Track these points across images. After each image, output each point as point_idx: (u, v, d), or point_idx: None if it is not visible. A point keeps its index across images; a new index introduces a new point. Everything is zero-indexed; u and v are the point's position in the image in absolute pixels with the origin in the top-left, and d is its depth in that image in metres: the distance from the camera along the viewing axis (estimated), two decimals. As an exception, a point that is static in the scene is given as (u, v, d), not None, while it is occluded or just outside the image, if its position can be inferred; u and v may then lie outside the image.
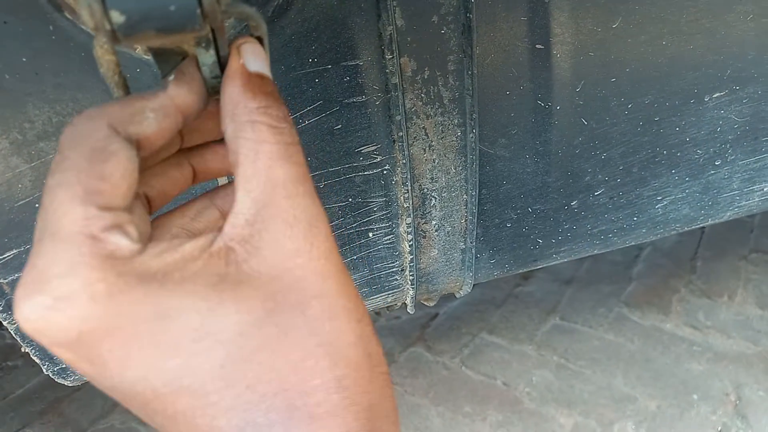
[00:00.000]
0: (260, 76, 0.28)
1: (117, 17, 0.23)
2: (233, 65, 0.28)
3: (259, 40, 0.30)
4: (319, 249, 0.25)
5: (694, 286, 1.35)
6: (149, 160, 0.29)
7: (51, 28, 0.38)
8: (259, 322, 0.23)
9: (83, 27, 0.38)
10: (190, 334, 0.22)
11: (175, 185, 0.31)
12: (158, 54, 0.30)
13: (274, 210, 0.24)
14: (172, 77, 0.28)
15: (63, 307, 0.21)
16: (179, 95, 0.27)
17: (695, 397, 1.11)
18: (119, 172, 0.24)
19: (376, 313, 1.38)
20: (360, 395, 0.25)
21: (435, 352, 1.26)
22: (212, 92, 0.30)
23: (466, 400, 1.15)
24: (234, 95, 0.27)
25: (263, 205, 0.25)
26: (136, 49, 0.38)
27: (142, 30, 0.24)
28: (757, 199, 0.60)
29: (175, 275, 0.23)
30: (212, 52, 0.29)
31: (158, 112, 0.26)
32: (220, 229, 0.25)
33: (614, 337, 1.25)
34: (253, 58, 0.28)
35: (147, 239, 0.24)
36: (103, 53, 0.27)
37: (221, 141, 0.31)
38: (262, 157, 0.25)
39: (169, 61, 0.31)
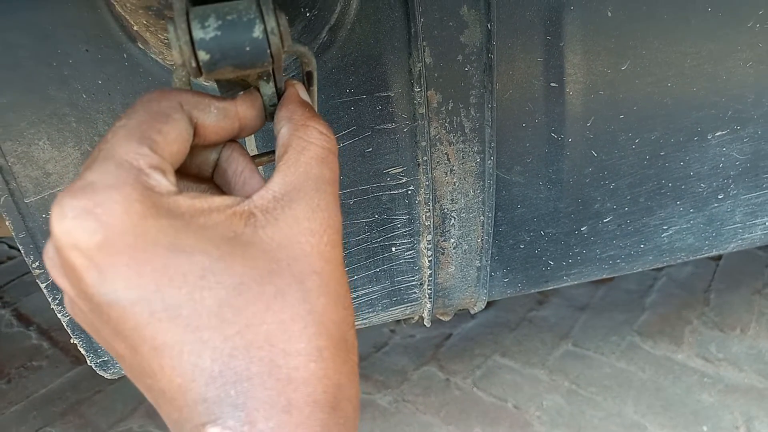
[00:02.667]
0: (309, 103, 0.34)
1: (203, 56, 0.28)
2: (291, 91, 0.34)
3: (310, 74, 0.35)
4: (330, 238, 0.28)
5: (707, 318, 1.36)
6: (196, 152, 0.33)
7: (124, 56, 0.44)
8: (260, 279, 0.25)
9: (153, 56, 0.44)
10: (198, 271, 0.24)
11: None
12: (223, 85, 0.36)
13: (302, 195, 0.28)
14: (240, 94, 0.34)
15: (100, 212, 0.24)
16: (242, 105, 0.32)
17: (705, 428, 1.12)
18: (174, 133, 0.28)
19: (391, 331, 1.41)
20: (333, 371, 0.26)
21: (448, 371, 1.29)
22: (269, 117, 0.35)
23: (477, 420, 1.18)
24: (293, 106, 0.32)
25: (293, 188, 0.28)
26: (206, 81, 0.43)
27: (222, 66, 0.29)
28: (759, 233, 0.63)
29: (199, 219, 0.26)
30: (271, 84, 0.34)
31: (221, 111, 0.31)
32: (248, 197, 0.28)
33: (626, 366, 1.26)
34: (303, 91, 0.34)
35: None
36: (181, 84, 0.32)
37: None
38: (306, 154, 0.29)
39: (231, 90, 0.37)
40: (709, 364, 1.24)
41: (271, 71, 0.34)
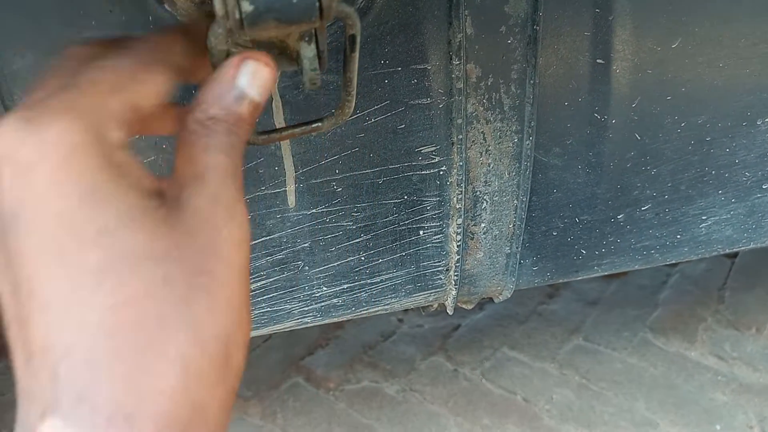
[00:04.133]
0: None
1: (246, 6, 0.26)
2: (223, 72, 0.29)
3: (353, 38, 0.33)
4: (231, 235, 0.26)
5: (721, 316, 1.34)
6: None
7: (150, 18, 0.41)
8: (155, 258, 0.23)
9: (180, 18, 0.41)
10: (99, 225, 0.23)
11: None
12: (261, 45, 0.33)
13: (203, 184, 0.26)
14: None
15: (38, 127, 0.23)
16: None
17: (718, 427, 1.10)
18: (150, 85, 0.27)
19: (399, 320, 1.39)
20: (200, 389, 0.23)
21: (456, 362, 1.27)
22: (309, 84, 0.33)
23: (485, 412, 1.16)
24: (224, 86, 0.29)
25: (194, 176, 0.26)
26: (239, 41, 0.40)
27: (265, 20, 0.26)
28: (801, 226, 0.61)
29: (127, 179, 0.24)
30: (313, 46, 0.31)
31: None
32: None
33: (637, 362, 1.24)
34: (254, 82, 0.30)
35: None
36: (216, 43, 0.30)
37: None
38: (210, 140, 0.27)
39: (267, 53, 0.34)
40: (722, 363, 1.22)
41: (314, 32, 0.31)
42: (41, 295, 0.22)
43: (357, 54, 0.34)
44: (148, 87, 0.27)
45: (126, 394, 0.22)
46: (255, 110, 0.29)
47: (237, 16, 0.26)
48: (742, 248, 0.63)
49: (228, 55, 0.31)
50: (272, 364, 1.30)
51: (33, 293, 0.22)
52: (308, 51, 0.31)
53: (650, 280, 1.44)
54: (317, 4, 0.26)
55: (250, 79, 0.29)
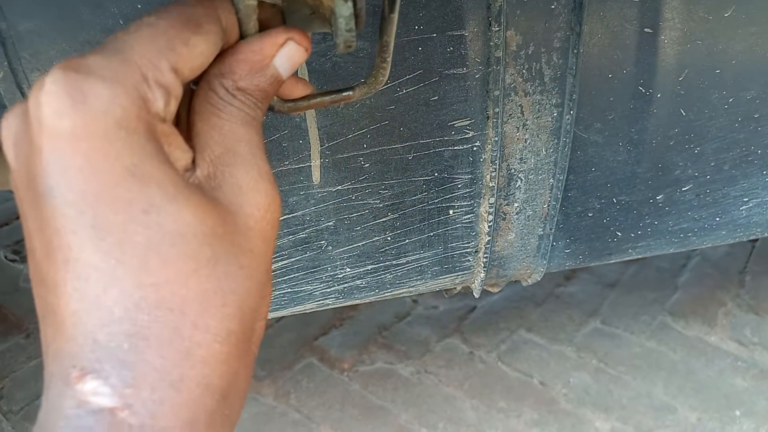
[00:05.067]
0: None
1: None
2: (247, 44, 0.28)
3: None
4: (272, 216, 0.26)
5: (741, 301, 1.31)
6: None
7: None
8: (203, 237, 0.23)
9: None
10: (144, 204, 0.22)
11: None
12: (290, 3, 0.30)
13: (239, 159, 0.26)
14: None
15: (80, 98, 0.22)
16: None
17: (738, 413, 1.08)
18: (202, 46, 0.25)
19: (414, 301, 1.37)
20: (235, 358, 0.25)
21: (472, 345, 1.26)
22: (344, 47, 0.30)
23: (501, 395, 1.14)
24: (260, 58, 0.28)
25: (226, 150, 0.26)
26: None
27: None
28: None
29: (166, 154, 0.24)
30: (350, 3, 0.29)
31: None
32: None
33: (656, 346, 1.22)
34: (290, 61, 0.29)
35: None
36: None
37: None
38: (224, 115, 0.27)
39: (297, 11, 0.31)
40: (743, 348, 1.20)
41: None
42: (80, 265, 0.22)
43: (396, 15, 0.31)
44: (197, 49, 0.25)
45: (170, 363, 0.22)
46: (279, 84, 0.29)
47: None
48: (783, 232, 0.60)
49: (255, 9, 0.28)
50: (286, 344, 1.29)
51: (69, 262, 0.22)
52: (344, 9, 0.28)
53: (670, 263, 1.42)
54: None
55: (287, 61, 0.28)
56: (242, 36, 0.29)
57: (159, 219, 0.22)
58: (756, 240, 1.47)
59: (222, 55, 0.28)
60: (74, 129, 0.22)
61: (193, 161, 0.25)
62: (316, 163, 0.47)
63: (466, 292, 0.66)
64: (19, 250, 1.59)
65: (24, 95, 0.39)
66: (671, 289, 1.35)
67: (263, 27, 0.29)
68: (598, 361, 1.19)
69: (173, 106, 0.24)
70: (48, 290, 0.23)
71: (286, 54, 0.28)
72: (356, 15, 0.29)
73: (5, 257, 1.56)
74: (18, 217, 1.72)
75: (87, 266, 0.22)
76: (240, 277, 0.24)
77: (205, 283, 0.23)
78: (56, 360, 0.23)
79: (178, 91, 0.25)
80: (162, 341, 0.22)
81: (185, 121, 0.27)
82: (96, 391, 0.22)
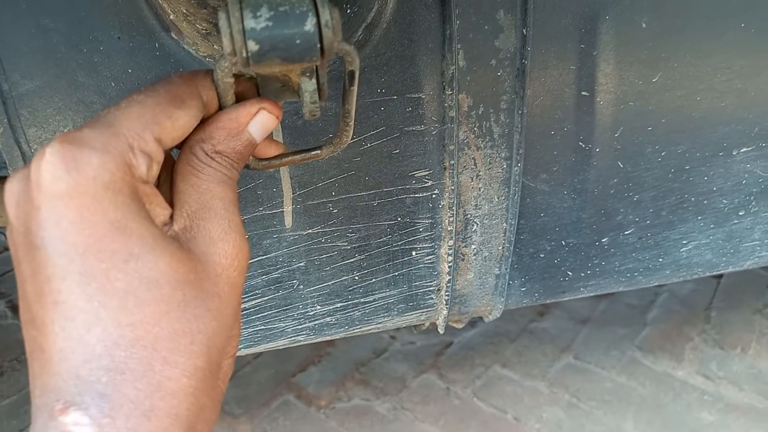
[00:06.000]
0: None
1: (252, 46, 0.28)
2: (225, 115, 0.33)
3: (352, 73, 0.35)
4: (240, 264, 0.30)
5: (707, 336, 1.36)
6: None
7: (156, 45, 0.43)
8: (175, 283, 0.27)
9: (185, 47, 0.43)
10: (125, 254, 0.26)
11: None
12: (264, 79, 0.35)
13: (212, 214, 0.30)
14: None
15: (74, 165, 0.26)
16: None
17: (705, 446, 1.11)
18: (184, 119, 0.30)
19: (391, 337, 1.40)
20: (201, 392, 0.27)
21: (447, 380, 1.28)
22: (309, 115, 0.35)
23: (476, 431, 1.17)
24: (234, 126, 0.32)
25: (202, 206, 0.30)
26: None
27: (270, 58, 0.28)
28: (778, 251, 0.63)
29: (146, 211, 0.28)
30: (314, 80, 0.34)
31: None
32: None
33: (626, 381, 1.26)
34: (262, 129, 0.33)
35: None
36: (222, 76, 0.32)
37: None
38: (203, 175, 0.31)
39: (270, 84, 0.36)
40: (709, 382, 1.24)
41: (314, 67, 0.33)
42: (67, 307, 0.26)
43: (356, 88, 0.36)
44: (179, 123, 0.29)
45: (143, 394, 0.25)
46: (253, 147, 0.33)
47: (244, 54, 0.28)
48: (722, 271, 0.66)
49: (233, 86, 0.33)
50: (263, 381, 1.30)
51: (58, 304, 0.26)
52: (309, 85, 0.33)
53: (639, 300, 1.47)
54: (319, 44, 0.28)
55: (260, 127, 0.32)
56: (221, 107, 0.33)
57: (137, 267, 0.26)
58: (721, 276, 1.53)
59: (202, 123, 0.32)
60: (68, 190, 0.26)
61: (171, 216, 0.29)
62: (288, 209, 0.52)
63: (456, 327, 0.70)
64: (-1, 287, 1.59)
65: (21, 149, 0.43)
66: (640, 324, 1.40)
67: (240, 98, 0.34)
68: (571, 396, 1.22)
69: (155, 170, 0.29)
70: (37, 329, 0.27)
71: (259, 121, 0.33)
72: (319, 89, 0.34)
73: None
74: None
75: (74, 308, 0.26)
76: (207, 318, 0.28)
77: (175, 323, 0.27)
78: (43, 394, 0.26)
79: (159, 157, 0.29)
80: (136, 374, 0.26)
81: (168, 181, 0.32)
82: (77, 422, 0.25)
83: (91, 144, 0.26)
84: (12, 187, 0.28)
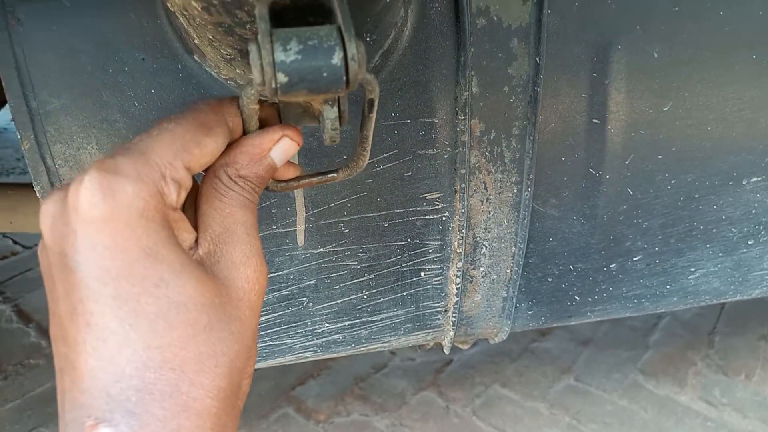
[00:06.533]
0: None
1: (281, 78, 0.28)
2: (248, 140, 0.33)
3: (372, 101, 0.35)
4: (260, 287, 0.31)
5: (711, 361, 1.35)
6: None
7: (179, 67, 0.44)
8: (201, 307, 0.28)
9: (208, 69, 0.44)
10: (156, 279, 0.27)
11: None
12: (288, 105, 0.36)
13: (235, 238, 0.31)
14: None
15: (110, 193, 0.27)
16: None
17: (707, 473, 1.10)
18: (212, 146, 0.31)
19: (391, 353, 1.39)
20: (224, 412, 0.29)
21: (447, 398, 1.27)
22: (329, 141, 0.35)
23: (476, 450, 1.16)
24: (257, 152, 0.33)
25: (225, 230, 0.31)
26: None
27: (297, 89, 0.29)
28: (785, 280, 0.63)
29: (176, 237, 0.29)
30: (336, 108, 0.34)
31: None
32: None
33: (628, 404, 1.25)
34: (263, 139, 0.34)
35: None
36: (248, 103, 0.32)
37: None
38: (226, 200, 0.32)
39: (293, 111, 0.37)
40: (712, 408, 1.23)
41: (337, 97, 0.34)
42: (99, 329, 0.27)
43: (374, 115, 0.36)
44: (207, 149, 0.30)
45: (170, 414, 0.27)
46: (274, 171, 0.34)
47: (273, 85, 0.29)
48: (729, 299, 0.66)
49: (257, 112, 0.33)
50: (263, 393, 1.29)
51: (90, 325, 0.27)
52: (331, 113, 0.34)
53: (641, 323, 1.46)
54: (345, 77, 0.29)
55: (282, 153, 0.33)
56: (245, 132, 0.34)
57: (167, 291, 0.27)
58: (725, 302, 1.52)
59: (227, 148, 0.33)
60: (104, 216, 0.27)
61: (196, 240, 0.30)
62: (301, 227, 0.52)
63: (461, 348, 0.70)
64: (2, 291, 1.59)
65: (46, 164, 0.43)
66: (643, 348, 1.39)
67: (263, 123, 0.35)
68: (571, 418, 1.22)
69: (183, 196, 0.30)
70: (68, 347, 0.27)
71: (281, 147, 0.34)
72: (340, 116, 0.35)
73: (-12, 298, 1.56)
74: (1, 258, 1.72)
75: (105, 329, 0.27)
76: (230, 341, 0.29)
77: (201, 346, 0.28)
78: (73, 409, 0.27)
79: (188, 183, 0.30)
80: (164, 395, 0.26)
81: (192, 204, 0.32)
82: None
83: (126, 173, 0.27)
84: (48, 208, 0.29)
